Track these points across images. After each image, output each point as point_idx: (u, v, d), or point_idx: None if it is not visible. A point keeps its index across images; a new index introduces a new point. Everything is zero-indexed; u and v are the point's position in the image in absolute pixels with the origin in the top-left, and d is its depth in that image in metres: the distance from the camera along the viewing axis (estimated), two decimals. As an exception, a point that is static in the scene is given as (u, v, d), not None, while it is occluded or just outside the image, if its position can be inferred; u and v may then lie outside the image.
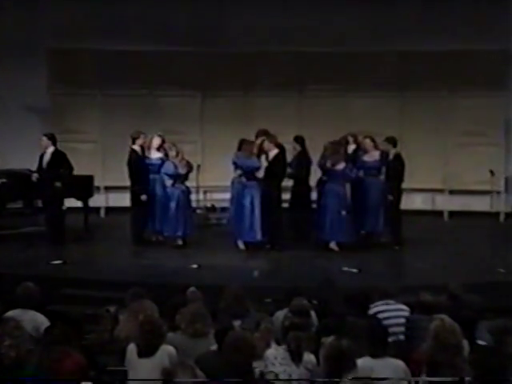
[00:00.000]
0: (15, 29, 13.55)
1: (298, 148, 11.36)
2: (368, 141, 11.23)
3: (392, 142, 11.06)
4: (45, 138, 11.29)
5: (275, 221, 10.80)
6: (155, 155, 11.25)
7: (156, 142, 11.25)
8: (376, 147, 11.20)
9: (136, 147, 11.14)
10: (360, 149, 11.44)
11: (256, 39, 13.65)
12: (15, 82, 13.64)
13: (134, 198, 11.08)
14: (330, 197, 10.79)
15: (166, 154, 11.06)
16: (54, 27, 13.69)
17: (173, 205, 10.82)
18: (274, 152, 10.83)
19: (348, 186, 10.98)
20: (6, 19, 13.50)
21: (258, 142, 10.94)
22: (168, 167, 10.90)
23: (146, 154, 11.27)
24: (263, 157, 10.86)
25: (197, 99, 14.59)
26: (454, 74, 13.86)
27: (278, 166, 10.78)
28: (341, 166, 10.75)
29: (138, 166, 11.04)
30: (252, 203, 10.68)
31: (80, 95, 14.33)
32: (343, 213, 10.64)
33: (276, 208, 10.83)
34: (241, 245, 10.85)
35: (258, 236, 10.73)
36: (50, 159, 11.23)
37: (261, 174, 10.74)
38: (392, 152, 11.03)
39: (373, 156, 11.18)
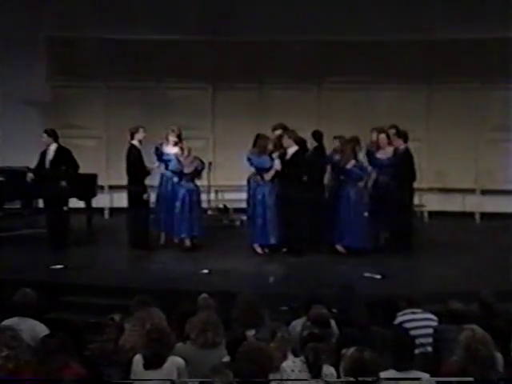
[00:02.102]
0: (12, 16, 13.55)
1: (314, 144, 11.26)
2: (383, 136, 11.10)
3: (402, 136, 10.98)
4: (45, 135, 11.23)
5: (293, 223, 10.74)
6: (171, 151, 11.22)
7: (171, 137, 11.22)
8: (390, 143, 11.10)
9: (135, 142, 11.05)
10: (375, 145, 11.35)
11: (271, 27, 13.61)
12: (12, 74, 13.66)
13: (131, 198, 11.05)
14: (343, 198, 10.75)
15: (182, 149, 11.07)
16: (54, 14, 13.70)
17: (177, 204, 10.83)
18: (293, 149, 10.75)
19: (366, 186, 10.91)
20: (3, 6, 13.52)
21: (275, 137, 10.88)
22: (172, 164, 10.93)
23: (162, 149, 11.27)
24: (276, 155, 10.70)
25: (208, 92, 14.62)
26: (486, 63, 13.80)
27: (297, 165, 10.67)
28: (351, 164, 10.71)
29: (137, 162, 10.97)
30: (266, 204, 10.65)
31: (82, 87, 14.37)
32: (365, 214, 10.61)
33: (293, 209, 10.75)
34: (258, 248, 10.82)
35: (272, 239, 10.70)
36: (54, 157, 11.20)
37: (269, 175, 10.62)
38: (401, 148, 10.96)
39: (386, 153, 11.07)
